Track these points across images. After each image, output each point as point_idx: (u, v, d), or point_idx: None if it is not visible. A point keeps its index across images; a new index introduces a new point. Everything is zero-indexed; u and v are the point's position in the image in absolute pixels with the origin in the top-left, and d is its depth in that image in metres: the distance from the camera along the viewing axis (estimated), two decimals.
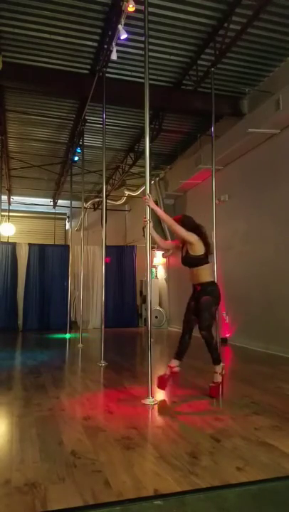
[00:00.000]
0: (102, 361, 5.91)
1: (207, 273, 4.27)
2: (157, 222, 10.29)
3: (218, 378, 4.15)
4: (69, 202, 11.38)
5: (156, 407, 3.71)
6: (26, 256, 11.83)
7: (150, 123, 7.47)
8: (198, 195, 9.93)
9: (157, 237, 4.44)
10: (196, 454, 2.55)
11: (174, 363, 4.19)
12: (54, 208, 15.06)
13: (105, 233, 6.84)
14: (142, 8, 4.51)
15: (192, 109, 7.93)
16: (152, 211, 4.25)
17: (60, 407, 3.72)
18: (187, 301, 4.34)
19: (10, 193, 13.67)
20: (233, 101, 8.02)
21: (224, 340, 7.90)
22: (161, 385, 4.07)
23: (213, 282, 4.35)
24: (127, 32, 5.32)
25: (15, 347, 8.70)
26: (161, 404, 3.82)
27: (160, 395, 4.08)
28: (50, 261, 12.05)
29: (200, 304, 4.14)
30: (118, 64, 6.68)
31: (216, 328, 6.06)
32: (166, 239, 11.33)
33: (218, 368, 4.17)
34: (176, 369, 4.20)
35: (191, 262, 4.23)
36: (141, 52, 5.00)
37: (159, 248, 4.48)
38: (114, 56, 5.68)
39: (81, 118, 8.28)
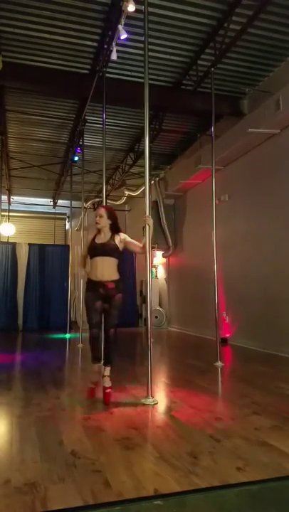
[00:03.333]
0: (103, 361, 5.88)
1: (117, 269, 4.10)
2: (157, 222, 10.26)
3: (109, 383, 3.98)
4: (69, 202, 11.39)
5: (156, 407, 3.71)
6: (26, 256, 11.83)
7: (150, 123, 7.47)
8: (198, 195, 9.92)
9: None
10: (196, 454, 2.55)
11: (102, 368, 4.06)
12: (54, 208, 15.06)
13: None
14: (142, 8, 4.51)
15: (192, 109, 7.93)
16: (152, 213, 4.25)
17: (60, 407, 3.72)
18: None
19: (10, 193, 13.67)
20: (233, 101, 8.02)
21: (224, 340, 7.88)
22: (91, 394, 4.01)
23: (121, 279, 4.14)
24: (127, 32, 5.33)
25: (15, 347, 8.69)
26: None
27: (160, 395, 4.08)
28: (50, 261, 12.04)
29: (115, 302, 3.98)
30: (118, 64, 6.68)
31: (216, 328, 6.08)
32: (166, 238, 11.30)
33: (108, 371, 4.05)
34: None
35: (111, 252, 4.05)
36: (141, 52, 4.99)
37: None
38: (114, 56, 5.69)
39: (81, 118, 8.28)
